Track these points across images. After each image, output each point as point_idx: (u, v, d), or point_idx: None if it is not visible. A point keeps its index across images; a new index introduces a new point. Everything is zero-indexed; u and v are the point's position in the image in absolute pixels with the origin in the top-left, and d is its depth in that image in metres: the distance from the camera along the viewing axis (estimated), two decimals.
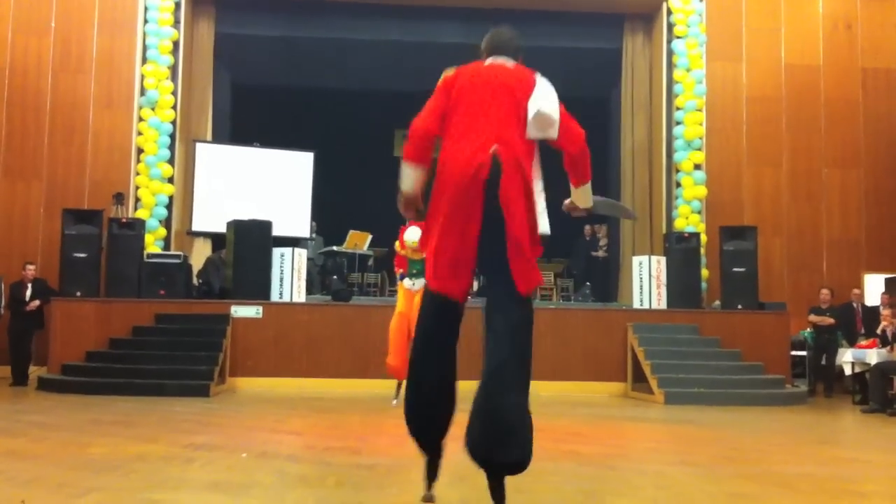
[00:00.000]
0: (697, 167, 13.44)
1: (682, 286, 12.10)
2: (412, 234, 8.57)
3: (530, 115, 3.62)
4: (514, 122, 3.63)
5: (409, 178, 3.73)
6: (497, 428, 3.36)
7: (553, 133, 3.66)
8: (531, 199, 3.59)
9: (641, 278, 12.16)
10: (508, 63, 3.83)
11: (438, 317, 3.64)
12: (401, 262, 8.96)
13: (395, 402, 8.96)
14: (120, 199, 12.39)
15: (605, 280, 15.06)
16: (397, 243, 8.99)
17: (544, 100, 3.64)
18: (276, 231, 12.13)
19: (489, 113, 3.63)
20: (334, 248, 14.33)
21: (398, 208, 3.83)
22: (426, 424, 3.67)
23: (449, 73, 3.83)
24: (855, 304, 12.76)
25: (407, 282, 8.92)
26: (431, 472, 3.74)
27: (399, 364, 8.87)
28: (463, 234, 3.52)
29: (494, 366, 3.42)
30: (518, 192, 3.51)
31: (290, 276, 11.60)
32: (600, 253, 15.48)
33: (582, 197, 3.92)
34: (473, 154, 3.54)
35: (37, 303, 11.51)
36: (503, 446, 3.35)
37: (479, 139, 3.57)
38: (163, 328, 10.93)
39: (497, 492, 3.46)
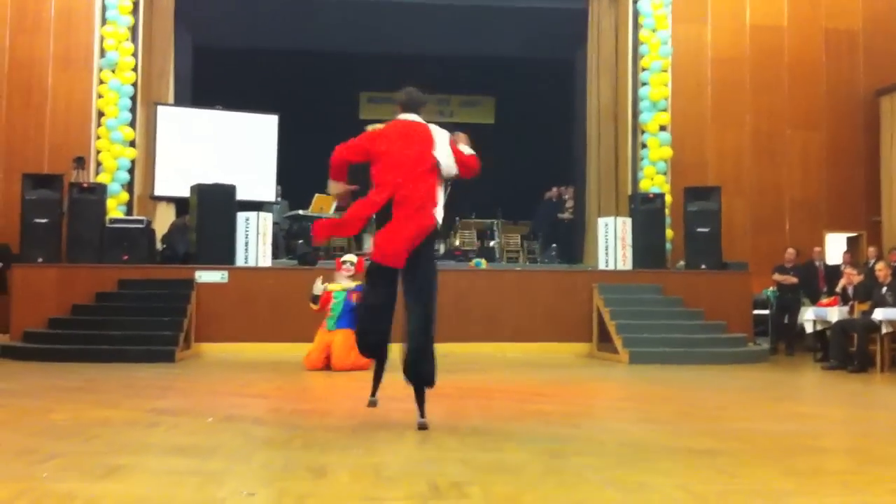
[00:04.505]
0: (663, 128, 13.43)
1: (647, 247, 12.13)
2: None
3: (441, 165, 5.06)
4: (422, 165, 5.06)
5: (333, 187, 5.35)
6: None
7: (455, 172, 5.15)
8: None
9: (607, 239, 12.20)
10: (417, 119, 5.21)
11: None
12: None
13: None
14: (80, 162, 12.17)
15: (570, 242, 15.11)
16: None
17: (442, 153, 5.07)
18: (241, 195, 12.01)
19: (404, 159, 5.05)
20: (300, 211, 14.20)
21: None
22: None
23: (375, 128, 5.29)
24: (817, 263, 12.89)
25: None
26: (377, 378, 5.25)
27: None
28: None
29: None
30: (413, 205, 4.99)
31: (255, 241, 11.51)
32: (566, 215, 15.52)
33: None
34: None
35: None
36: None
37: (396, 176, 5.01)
38: (126, 294, 10.81)
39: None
